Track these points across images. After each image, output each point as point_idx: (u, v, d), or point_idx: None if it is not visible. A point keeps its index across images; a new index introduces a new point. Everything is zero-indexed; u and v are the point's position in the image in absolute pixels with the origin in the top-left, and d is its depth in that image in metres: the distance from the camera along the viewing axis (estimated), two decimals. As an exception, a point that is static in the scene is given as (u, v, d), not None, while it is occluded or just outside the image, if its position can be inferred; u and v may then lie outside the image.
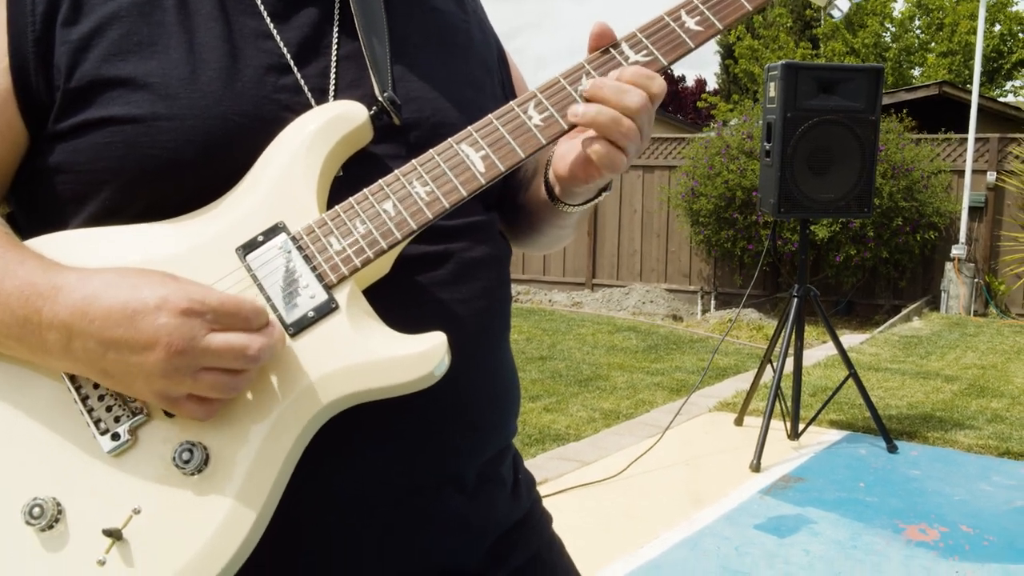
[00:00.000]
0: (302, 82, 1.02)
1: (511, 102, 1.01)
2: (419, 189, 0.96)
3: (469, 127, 1.00)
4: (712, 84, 26.69)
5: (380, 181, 0.97)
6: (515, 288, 11.86)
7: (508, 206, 1.26)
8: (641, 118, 0.99)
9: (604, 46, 1.03)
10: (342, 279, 0.92)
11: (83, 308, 0.84)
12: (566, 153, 1.07)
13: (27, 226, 1.01)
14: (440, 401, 1.00)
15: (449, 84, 1.12)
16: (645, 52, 1.02)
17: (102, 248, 0.92)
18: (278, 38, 1.03)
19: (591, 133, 1.00)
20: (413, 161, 0.98)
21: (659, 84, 1.01)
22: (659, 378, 6.78)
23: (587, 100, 1.00)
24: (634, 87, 0.99)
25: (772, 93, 4.80)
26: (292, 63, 1.02)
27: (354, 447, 0.98)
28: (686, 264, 11.55)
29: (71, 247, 0.92)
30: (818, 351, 7.43)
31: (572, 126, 1.00)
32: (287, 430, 0.87)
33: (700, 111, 24.27)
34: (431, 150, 0.99)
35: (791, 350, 4.73)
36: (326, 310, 0.91)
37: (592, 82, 1.00)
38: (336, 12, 1.08)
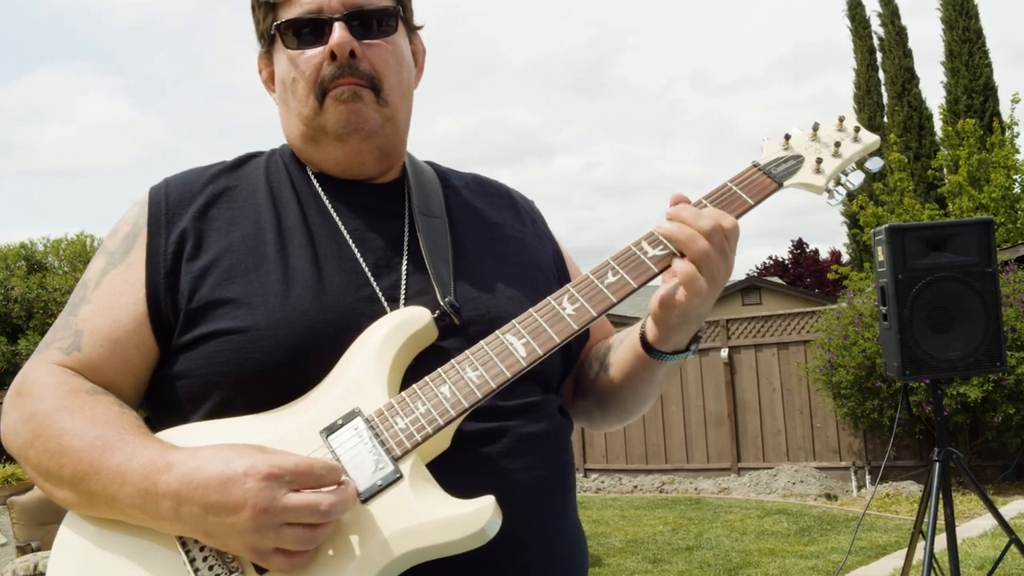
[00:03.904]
0: (379, 293, 1.24)
1: (548, 297, 1.20)
2: (471, 374, 1.14)
3: (513, 320, 1.18)
4: (845, 255, 26.43)
5: (439, 369, 1.17)
6: (659, 478, 11.66)
7: (595, 375, 1.41)
8: (713, 240, 1.16)
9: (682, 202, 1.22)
10: (406, 452, 1.10)
11: (188, 478, 1.04)
12: (658, 295, 1.23)
13: (155, 426, 1.23)
14: (506, 561, 1.13)
15: (504, 285, 1.33)
16: (661, 247, 1.19)
17: (213, 439, 1.12)
18: (360, 259, 1.26)
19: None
20: (466, 351, 1.18)
21: (729, 221, 1.19)
22: (814, 561, 6.45)
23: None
24: (708, 215, 1.18)
25: (880, 257, 4.85)
26: (371, 277, 1.25)
27: None
28: (834, 439, 11.10)
29: (190, 439, 1.13)
30: (984, 520, 6.93)
31: (602, 312, 1.16)
32: None
33: (835, 283, 23.92)
34: (481, 341, 1.18)
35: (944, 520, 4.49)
36: (392, 479, 1.08)
37: (674, 208, 1.20)
38: (406, 231, 1.32)
